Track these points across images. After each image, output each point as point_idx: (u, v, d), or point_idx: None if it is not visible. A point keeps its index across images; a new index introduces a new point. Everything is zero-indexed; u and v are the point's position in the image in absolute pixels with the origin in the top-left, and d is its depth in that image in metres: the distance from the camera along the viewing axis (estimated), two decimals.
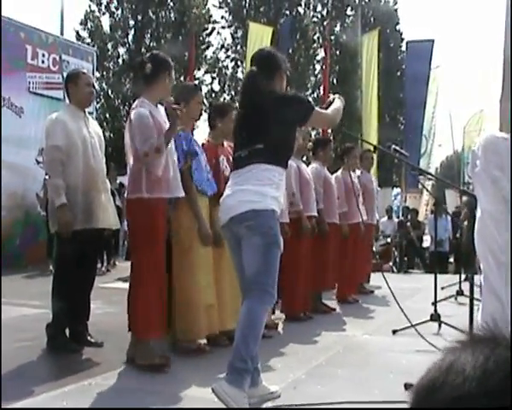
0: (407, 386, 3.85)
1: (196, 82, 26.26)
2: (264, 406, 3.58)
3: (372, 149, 6.13)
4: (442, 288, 8.09)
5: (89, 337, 4.98)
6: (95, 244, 5.04)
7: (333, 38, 30.89)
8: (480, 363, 0.88)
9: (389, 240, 14.73)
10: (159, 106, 4.53)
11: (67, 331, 4.95)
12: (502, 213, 2.11)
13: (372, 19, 32.82)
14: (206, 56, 29.21)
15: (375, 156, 8.74)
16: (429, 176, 7.20)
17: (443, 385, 0.90)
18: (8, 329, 5.62)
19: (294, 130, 3.75)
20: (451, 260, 14.53)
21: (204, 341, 5.00)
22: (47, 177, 10.93)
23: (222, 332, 5.08)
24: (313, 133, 28.85)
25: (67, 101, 5.16)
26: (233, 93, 29.62)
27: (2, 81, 11.29)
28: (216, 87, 29.94)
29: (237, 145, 3.74)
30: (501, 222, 2.10)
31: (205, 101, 26.68)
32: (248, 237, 3.45)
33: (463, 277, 7.88)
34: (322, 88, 29.51)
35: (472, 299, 3.76)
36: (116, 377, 4.16)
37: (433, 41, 18.48)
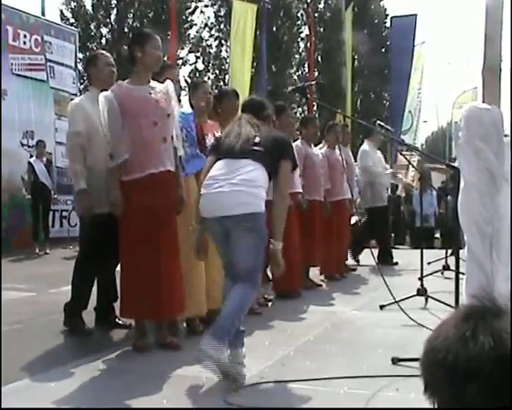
0: (394, 360, 3.90)
1: (180, 61, 26.15)
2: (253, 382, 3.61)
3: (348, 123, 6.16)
4: (428, 263, 8.17)
5: (117, 319, 4.99)
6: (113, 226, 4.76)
7: (316, 15, 30.72)
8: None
9: None
10: (153, 82, 4.47)
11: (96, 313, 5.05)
12: (485, 184, 2.12)
13: None
14: (189, 35, 28.99)
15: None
16: (414, 152, 7.25)
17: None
18: None
19: None
20: (437, 235, 14.63)
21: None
22: (32, 159, 10.95)
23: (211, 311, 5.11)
24: (299, 111, 28.76)
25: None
26: (217, 72, 29.46)
27: None
28: (200, 66, 29.77)
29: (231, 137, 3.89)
30: (484, 193, 2.11)
31: (188, 80, 26.53)
32: (243, 236, 3.66)
33: (449, 251, 7.94)
34: (306, 65, 29.51)
35: (457, 273, 3.78)
36: (114, 359, 4.18)
37: (416, 15, 18.52)
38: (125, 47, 4.45)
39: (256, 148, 3.75)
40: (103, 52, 5.18)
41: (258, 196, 3.68)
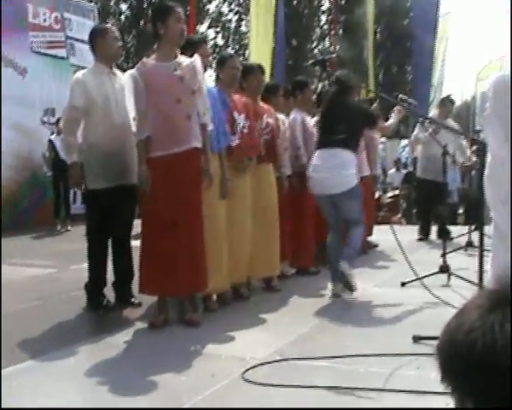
0: (416, 338, 3.85)
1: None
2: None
3: (374, 98, 6.06)
4: (451, 239, 8.07)
5: (132, 299, 4.99)
6: (125, 201, 4.85)
7: None
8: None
9: (397, 192, 14.64)
10: (180, 57, 4.43)
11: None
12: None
13: None
14: (208, 10, 28.77)
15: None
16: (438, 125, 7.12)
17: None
18: (18, 289, 5.67)
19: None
20: (461, 211, 14.47)
21: (214, 297, 5.00)
22: (52, 136, 10.96)
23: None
24: (319, 86, 28.54)
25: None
26: (237, 47, 29.25)
27: (5, 41, 11.16)
28: (220, 42, 29.58)
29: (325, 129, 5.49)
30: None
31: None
32: (346, 203, 5.30)
33: (473, 228, 7.82)
34: (327, 39, 29.18)
35: (481, 250, 3.72)
36: (133, 336, 4.18)
37: None
38: (149, 23, 4.41)
39: (341, 136, 5.20)
40: (111, 26, 5.12)
41: (350, 175, 5.24)
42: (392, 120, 6.07)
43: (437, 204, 8.71)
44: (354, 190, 5.24)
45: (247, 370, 3.36)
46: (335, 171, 5.20)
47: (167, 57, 4.40)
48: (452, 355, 0.94)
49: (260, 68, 5.67)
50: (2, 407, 2.48)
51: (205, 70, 4.94)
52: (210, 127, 4.55)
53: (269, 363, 3.50)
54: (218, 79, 5.25)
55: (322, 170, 5.27)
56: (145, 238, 4.41)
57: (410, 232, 9.34)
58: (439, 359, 0.97)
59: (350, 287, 5.17)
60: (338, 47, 17.58)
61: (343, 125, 5.26)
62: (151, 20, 4.56)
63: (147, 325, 4.38)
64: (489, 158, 2.20)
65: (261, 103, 5.74)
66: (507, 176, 2.06)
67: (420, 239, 9.14)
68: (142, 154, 4.37)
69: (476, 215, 6.09)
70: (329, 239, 5.58)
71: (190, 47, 4.76)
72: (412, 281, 5.34)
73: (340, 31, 30.14)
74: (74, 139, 4.75)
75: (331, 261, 5.48)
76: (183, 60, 4.44)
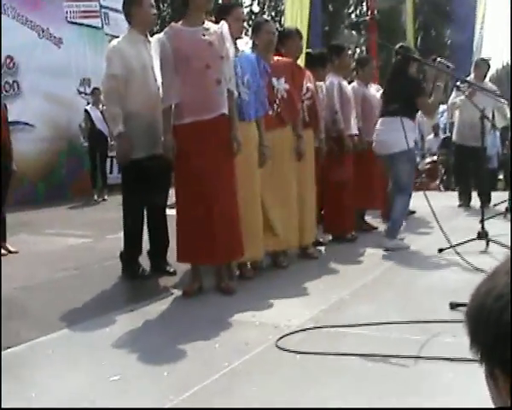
0: (453, 305, 3.79)
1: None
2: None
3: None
4: (490, 206, 7.92)
5: (167, 267, 5.00)
6: (161, 171, 4.78)
7: None
8: None
9: (435, 158, 14.40)
10: (207, 23, 4.38)
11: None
12: None
13: None
14: None
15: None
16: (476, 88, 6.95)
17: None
18: (55, 259, 5.74)
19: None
20: (501, 176, 14.19)
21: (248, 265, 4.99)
22: (88, 106, 11.02)
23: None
24: (357, 51, 28.15)
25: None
26: (273, 14, 28.97)
27: (39, 12, 11.21)
28: (255, 8, 29.31)
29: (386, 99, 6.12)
30: None
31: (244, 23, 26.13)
32: (397, 164, 5.90)
33: None
34: (364, 4, 28.69)
35: None
36: (168, 304, 4.20)
37: None
38: None
39: (399, 105, 5.75)
40: None
41: (401, 140, 5.64)
42: (433, 98, 5.97)
43: (476, 170, 8.54)
44: (406, 154, 5.77)
45: (281, 337, 3.35)
46: (391, 134, 5.85)
47: (195, 23, 4.34)
48: (481, 322, 0.89)
49: (298, 33, 5.59)
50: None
51: (240, 36, 4.88)
52: (236, 94, 4.48)
53: (303, 331, 3.49)
54: (254, 45, 5.17)
55: (381, 134, 6.04)
56: (180, 207, 4.41)
57: (449, 199, 9.21)
58: (468, 325, 0.92)
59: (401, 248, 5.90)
60: (376, 11, 17.21)
61: (401, 94, 5.86)
62: None
63: (182, 294, 4.39)
64: None
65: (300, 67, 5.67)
66: None
67: (460, 205, 9.00)
68: (168, 121, 4.32)
69: None
70: (390, 193, 6.46)
71: (224, 12, 4.70)
72: (449, 248, 5.25)
73: None
74: (118, 109, 4.65)
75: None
76: (211, 25, 4.39)
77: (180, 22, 4.41)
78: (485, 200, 7.71)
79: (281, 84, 5.11)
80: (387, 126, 5.94)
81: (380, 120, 6.17)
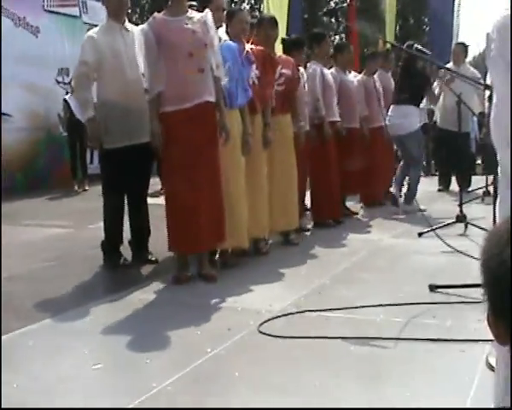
0: (432, 287, 3.84)
1: None
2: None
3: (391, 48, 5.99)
4: (468, 191, 8.00)
5: (149, 256, 5.00)
6: (140, 159, 4.77)
7: None
8: None
9: None
10: (191, 12, 4.38)
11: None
12: None
13: None
14: None
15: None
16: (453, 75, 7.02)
17: None
18: (35, 249, 5.71)
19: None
20: (479, 161, 14.30)
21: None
22: (67, 96, 10.94)
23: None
24: (336, 38, 28.08)
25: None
26: (252, 1, 28.88)
27: (16, 1, 11.09)
28: None
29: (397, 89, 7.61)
30: None
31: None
32: (408, 142, 7.36)
33: (490, 178, 7.75)
34: None
35: (496, 198, 3.68)
36: (149, 292, 4.20)
37: None
38: None
39: (407, 95, 7.25)
40: None
41: (412, 122, 7.34)
42: (437, 90, 7.72)
43: (456, 154, 8.64)
44: (415, 133, 7.39)
45: (264, 322, 3.37)
46: (403, 119, 7.26)
47: (178, 12, 4.35)
48: (498, 273, 0.95)
49: (274, 20, 5.58)
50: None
51: (221, 25, 4.88)
52: (224, 81, 4.49)
53: (285, 315, 3.51)
54: (227, 33, 5.17)
55: (394, 119, 7.35)
56: (167, 196, 4.43)
57: (430, 183, 9.28)
58: (484, 272, 1.01)
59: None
60: None
61: (411, 86, 7.27)
62: None
63: (163, 282, 4.40)
64: (494, 100, 2.15)
65: (278, 54, 5.67)
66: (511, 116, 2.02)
67: (439, 190, 9.08)
68: (154, 110, 4.33)
69: (492, 165, 6.03)
70: (400, 169, 7.68)
71: (205, 1, 4.69)
72: (428, 231, 5.30)
73: None
74: (88, 94, 4.69)
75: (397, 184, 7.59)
76: (194, 14, 4.39)
77: (163, 12, 4.41)
78: (465, 184, 7.84)
79: (252, 72, 5.11)
80: (399, 112, 7.33)
81: (392, 107, 7.52)
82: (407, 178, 7.57)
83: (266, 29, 5.43)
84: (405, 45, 5.89)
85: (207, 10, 4.44)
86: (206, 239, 4.36)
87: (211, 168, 4.34)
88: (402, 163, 7.69)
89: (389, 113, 7.49)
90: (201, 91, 4.29)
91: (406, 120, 7.25)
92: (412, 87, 7.26)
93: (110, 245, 4.93)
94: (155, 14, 4.46)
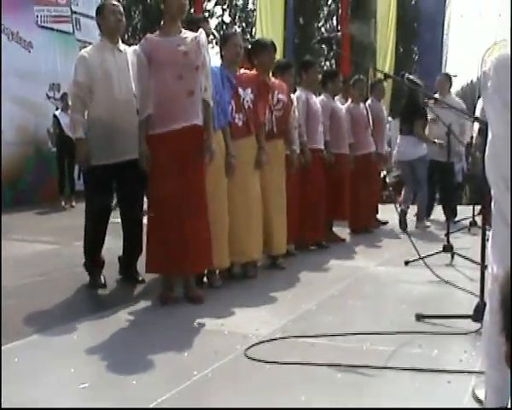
0: (418, 317, 3.86)
1: (206, 14, 25.85)
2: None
3: (383, 78, 6.07)
4: (455, 222, 8.06)
5: (137, 275, 4.99)
6: (128, 178, 4.76)
7: None
8: None
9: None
10: (185, 33, 4.39)
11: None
12: None
13: None
14: None
15: (388, 85, 8.82)
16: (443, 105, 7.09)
17: None
18: (21, 265, 5.68)
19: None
20: (465, 191, 14.42)
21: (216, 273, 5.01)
22: (57, 112, 10.94)
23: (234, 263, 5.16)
24: (326, 65, 28.28)
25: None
26: (244, 25, 29.08)
27: (10, 15, 11.11)
28: (227, 19, 29.41)
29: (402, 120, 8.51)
30: None
31: (215, 33, 26.25)
32: (421, 163, 8.19)
33: (477, 208, 7.82)
34: (335, 18, 28.95)
35: (484, 230, 3.72)
36: (136, 312, 4.19)
37: None
38: None
39: (411, 126, 8.14)
40: (113, 2, 5.10)
41: (419, 149, 8.17)
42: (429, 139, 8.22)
43: (442, 184, 8.75)
44: (424, 157, 8.22)
45: (250, 347, 3.37)
46: (411, 146, 8.17)
47: (171, 32, 4.36)
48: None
49: (273, 45, 5.64)
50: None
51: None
52: (211, 103, 4.50)
53: (271, 340, 3.51)
54: (221, 56, 5.22)
55: (402, 147, 8.35)
56: (150, 217, 4.40)
57: (414, 212, 9.32)
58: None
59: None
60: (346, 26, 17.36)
61: (413, 116, 8.10)
62: None
63: (150, 302, 4.39)
64: (489, 137, 2.20)
65: (273, 79, 5.71)
66: (508, 155, 2.06)
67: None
68: (143, 133, 4.33)
69: (479, 195, 6.11)
70: (404, 192, 8.60)
71: (192, 25, 4.73)
72: (415, 260, 5.34)
73: (348, 10, 29.88)
74: (80, 115, 4.74)
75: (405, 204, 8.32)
76: (188, 34, 4.39)
77: (156, 32, 4.44)
78: (451, 214, 7.94)
79: (247, 95, 5.16)
80: (407, 141, 8.23)
81: (399, 137, 8.52)
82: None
83: (267, 54, 5.48)
84: (399, 75, 5.96)
85: (201, 30, 4.46)
86: (189, 263, 4.34)
87: (196, 191, 4.34)
88: (405, 188, 8.56)
89: (397, 142, 8.55)
90: (189, 114, 4.29)
91: (415, 146, 8.15)
92: (416, 117, 8.11)
93: (92, 266, 4.93)
94: (148, 34, 4.47)
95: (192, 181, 4.31)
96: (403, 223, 7.93)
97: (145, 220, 4.64)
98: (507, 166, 2.05)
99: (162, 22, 4.45)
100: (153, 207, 4.39)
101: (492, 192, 2.17)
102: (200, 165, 4.38)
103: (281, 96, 5.71)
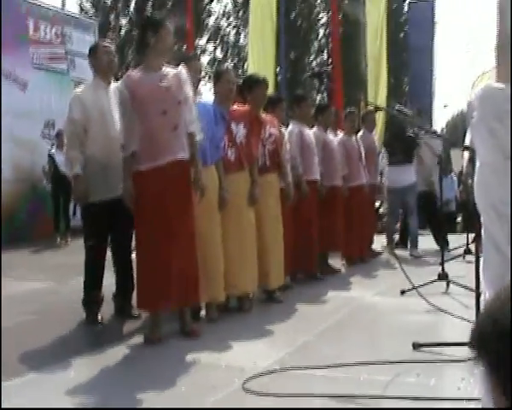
0: (415, 346, 3.86)
1: (198, 51, 26.13)
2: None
3: (374, 109, 6.16)
4: (449, 250, 8.08)
5: (132, 311, 4.97)
6: (121, 214, 4.68)
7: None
8: None
9: None
10: (166, 68, 4.37)
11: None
12: (501, 163, 2.08)
13: None
14: (207, 24, 28.95)
15: (381, 116, 9.04)
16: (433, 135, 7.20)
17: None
18: (17, 303, 5.67)
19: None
20: (459, 219, 14.48)
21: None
22: (52, 150, 10.99)
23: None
24: (318, 98, 28.55)
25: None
26: (236, 60, 29.38)
27: (6, 56, 11.23)
28: (219, 55, 29.73)
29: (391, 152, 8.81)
30: (500, 173, 2.08)
31: (208, 69, 26.49)
32: (411, 191, 8.54)
33: (471, 236, 7.86)
34: (325, 52, 29.29)
35: (478, 257, 3.75)
36: (133, 348, 4.19)
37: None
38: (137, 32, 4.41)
39: (399, 157, 8.54)
40: (104, 41, 5.20)
41: (409, 177, 8.58)
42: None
43: (430, 214, 8.89)
44: (414, 185, 8.61)
45: (248, 380, 3.37)
46: (402, 174, 8.47)
47: (153, 68, 4.34)
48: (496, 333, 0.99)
49: (265, 82, 5.71)
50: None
51: (197, 85, 4.99)
52: (198, 137, 4.46)
53: (269, 373, 3.51)
54: (214, 92, 5.28)
55: (392, 176, 8.62)
56: (140, 254, 4.37)
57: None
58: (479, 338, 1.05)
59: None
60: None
61: (402, 147, 8.54)
62: (140, 30, 4.51)
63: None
64: (477, 165, 2.25)
65: (264, 114, 5.78)
66: (496, 182, 2.10)
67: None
68: (127, 170, 4.31)
69: (473, 223, 6.16)
70: (388, 223, 9.14)
71: (181, 63, 4.78)
72: (411, 289, 5.35)
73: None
74: (76, 153, 4.78)
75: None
76: (169, 70, 4.39)
77: (138, 68, 4.44)
78: (443, 243, 8.00)
79: (239, 130, 5.21)
80: (396, 171, 8.53)
81: (387, 168, 8.79)
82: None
83: (260, 90, 5.54)
84: (390, 107, 6.08)
85: (182, 66, 4.48)
86: (176, 296, 4.28)
87: (185, 226, 4.31)
88: (389, 219, 8.99)
89: (386, 173, 8.85)
90: (175, 149, 4.27)
91: (405, 175, 8.52)
92: (404, 149, 8.50)
93: (90, 301, 4.93)
94: (129, 71, 4.49)
95: (180, 216, 4.29)
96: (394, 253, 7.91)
97: (133, 256, 4.66)
98: (496, 193, 2.09)
99: (144, 57, 4.41)
100: (140, 244, 4.35)
101: (482, 219, 2.21)
102: (188, 199, 4.36)
103: (272, 130, 5.78)
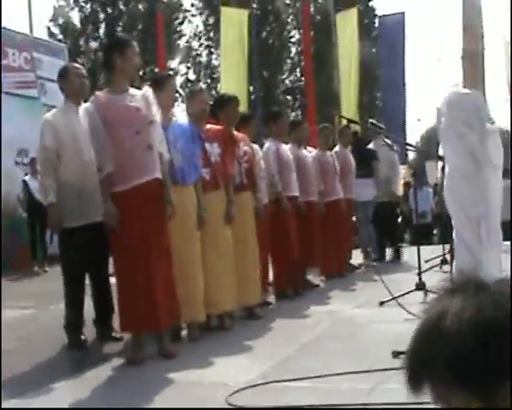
0: (395, 354, 3.90)
1: (171, 72, 26.18)
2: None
3: (347, 123, 6.25)
4: (426, 261, 8.16)
5: (113, 334, 4.95)
6: (98, 239, 4.69)
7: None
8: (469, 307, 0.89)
9: None
10: (132, 90, 4.39)
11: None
12: (470, 167, 2.14)
13: None
14: (179, 46, 29.06)
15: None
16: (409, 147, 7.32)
17: (439, 333, 0.93)
18: None
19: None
20: (435, 231, 14.63)
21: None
22: (26, 177, 10.92)
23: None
24: (292, 115, 28.68)
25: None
26: (209, 81, 29.49)
27: None
28: (191, 76, 29.83)
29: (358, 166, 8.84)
30: (470, 177, 2.13)
31: (180, 91, 26.54)
32: (370, 207, 8.92)
33: (448, 246, 7.97)
34: (298, 70, 29.51)
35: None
36: (115, 369, 4.18)
37: (403, 13, 18.47)
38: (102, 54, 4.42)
39: (361, 172, 8.76)
40: (75, 64, 5.17)
41: (370, 192, 9.00)
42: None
43: (390, 224, 9.12)
44: (373, 200, 8.97)
45: (232, 394, 3.38)
46: (364, 188, 8.72)
47: (122, 89, 4.34)
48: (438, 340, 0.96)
49: (236, 99, 5.77)
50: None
51: (172, 106, 5.02)
52: (167, 157, 4.50)
53: (252, 387, 3.53)
54: (187, 113, 5.32)
55: (357, 190, 8.68)
56: (119, 276, 4.34)
57: (387, 254, 9.44)
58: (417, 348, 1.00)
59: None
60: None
61: (362, 162, 8.76)
62: (106, 51, 4.52)
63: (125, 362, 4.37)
64: (447, 170, 2.30)
65: (235, 132, 5.83)
66: (466, 186, 2.16)
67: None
68: (106, 191, 4.26)
69: (449, 234, 6.24)
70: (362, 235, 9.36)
71: (157, 83, 4.82)
72: (390, 300, 5.41)
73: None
74: (50, 181, 4.72)
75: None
76: (136, 92, 4.40)
77: (105, 90, 4.45)
78: (396, 255, 8.38)
79: (214, 149, 5.25)
80: (362, 183, 8.74)
81: (355, 180, 8.79)
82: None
83: (231, 108, 5.60)
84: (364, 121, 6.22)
85: (146, 87, 4.51)
86: (161, 319, 4.27)
87: (162, 244, 4.32)
88: (363, 231, 9.21)
89: (355, 184, 8.84)
90: (151, 168, 4.28)
91: (367, 188, 8.85)
92: (363, 163, 8.79)
93: (72, 326, 4.90)
94: (97, 92, 4.45)
95: (158, 235, 4.30)
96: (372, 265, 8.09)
97: (112, 280, 4.65)
98: (466, 197, 2.15)
99: (110, 79, 4.43)
100: (120, 267, 4.32)
101: (453, 222, 2.27)
102: (164, 219, 4.37)
103: (246, 147, 5.84)
